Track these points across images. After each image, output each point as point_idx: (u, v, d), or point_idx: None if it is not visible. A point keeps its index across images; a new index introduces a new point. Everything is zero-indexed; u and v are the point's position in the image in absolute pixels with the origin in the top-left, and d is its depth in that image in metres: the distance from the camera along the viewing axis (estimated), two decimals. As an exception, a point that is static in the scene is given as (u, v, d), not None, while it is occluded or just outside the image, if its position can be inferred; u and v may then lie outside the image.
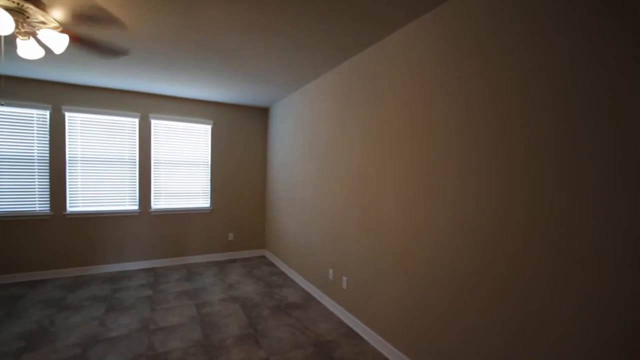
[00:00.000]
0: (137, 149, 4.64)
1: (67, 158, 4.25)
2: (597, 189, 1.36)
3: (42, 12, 2.12)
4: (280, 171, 4.98)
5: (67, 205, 4.28)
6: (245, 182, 5.48)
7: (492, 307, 1.79)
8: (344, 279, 3.17)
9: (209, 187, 5.21)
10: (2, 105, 3.90)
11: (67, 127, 4.23)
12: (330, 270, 3.43)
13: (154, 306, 3.43)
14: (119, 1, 2.16)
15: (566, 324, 1.46)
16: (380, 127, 2.70)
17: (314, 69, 3.40)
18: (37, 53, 2.37)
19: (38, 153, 4.11)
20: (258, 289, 3.99)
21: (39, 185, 4.14)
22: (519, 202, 1.66)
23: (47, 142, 4.15)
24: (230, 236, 5.38)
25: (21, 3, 1.99)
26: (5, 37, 2.74)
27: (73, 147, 4.28)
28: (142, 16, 2.36)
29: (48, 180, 4.17)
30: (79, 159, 4.33)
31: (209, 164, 5.19)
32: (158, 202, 4.83)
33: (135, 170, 4.66)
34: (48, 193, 4.18)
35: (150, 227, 4.78)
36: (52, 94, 4.14)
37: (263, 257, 5.53)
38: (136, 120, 4.61)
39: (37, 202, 4.14)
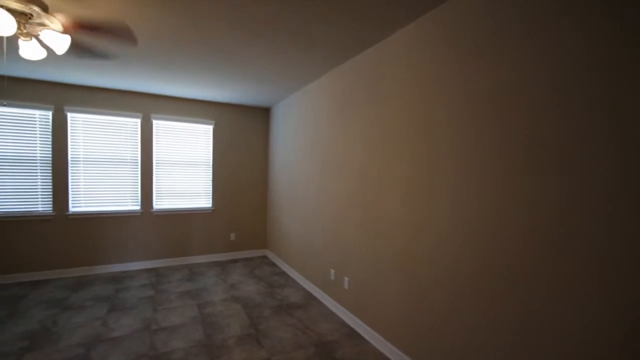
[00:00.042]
0: (139, 149, 4.66)
1: (69, 158, 4.27)
2: (597, 188, 1.36)
3: (45, 14, 2.13)
4: (282, 171, 4.99)
5: (70, 205, 4.30)
6: (247, 182, 5.49)
7: (494, 307, 1.79)
8: (346, 279, 3.18)
9: (211, 187, 5.22)
10: (5, 105, 3.92)
11: (69, 128, 4.25)
12: (332, 271, 3.43)
13: (156, 306, 3.44)
14: (119, 1, 2.17)
15: (566, 324, 1.45)
16: (381, 127, 2.70)
17: (315, 68, 3.41)
18: (39, 54, 2.38)
19: (41, 153, 4.13)
20: (260, 289, 4.00)
21: (41, 185, 4.16)
22: (520, 202, 1.66)
23: (50, 143, 4.17)
24: (232, 236, 5.39)
25: (29, 5, 2.00)
26: (8, 37, 2.76)
27: (75, 147, 4.30)
28: (143, 16, 2.37)
29: (51, 180, 4.19)
30: (81, 159, 4.34)
31: (211, 164, 5.20)
32: (160, 202, 4.85)
33: (137, 171, 4.67)
34: (51, 193, 4.20)
35: (152, 227, 4.80)
36: (55, 95, 4.16)
37: (265, 257, 5.54)
38: (138, 121, 4.63)
39: (39, 202, 4.16)
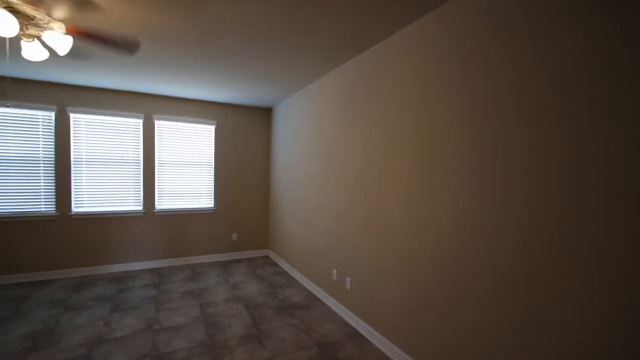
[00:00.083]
0: (141, 150, 4.68)
1: (72, 159, 4.29)
2: (597, 188, 1.36)
3: (49, 17, 2.15)
4: (283, 171, 5.00)
5: (72, 205, 4.33)
6: (248, 182, 5.50)
7: (494, 307, 1.79)
8: (348, 279, 3.18)
9: (213, 187, 5.23)
10: (8, 106, 3.94)
11: (72, 128, 4.27)
12: (334, 271, 3.43)
13: (159, 306, 3.46)
14: (121, 1, 2.18)
15: (566, 324, 1.46)
16: (383, 126, 2.70)
17: (317, 68, 3.41)
18: (42, 55, 2.39)
19: (43, 154, 4.16)
20: (262, 289, 4.01)
21: (44, 186, 4.18)
22: (521, 201, 1.66)
23: (53, 143, 4.19)
24: (234, 236, 5.41)
25: (32, 7, 2.01)
26: (10, 38, 2.78)
27: (78, 148, 4.32)
28: (144, 17, 2.38)
29: (53, 181, 4.22)
30: (84, 159, 4.37)
31: (213, 164, 5.21)
32: (162, 203, 4.87)
33: (140, 171, 4.69)
34: (53, 194, 4.23)
35: (154, 227, 4.82)
36: (57, 96, 4.19)
37: (267, 257, 5.55)
38: (140, 121, 4.65)
39: (42, 202, 4.19)
